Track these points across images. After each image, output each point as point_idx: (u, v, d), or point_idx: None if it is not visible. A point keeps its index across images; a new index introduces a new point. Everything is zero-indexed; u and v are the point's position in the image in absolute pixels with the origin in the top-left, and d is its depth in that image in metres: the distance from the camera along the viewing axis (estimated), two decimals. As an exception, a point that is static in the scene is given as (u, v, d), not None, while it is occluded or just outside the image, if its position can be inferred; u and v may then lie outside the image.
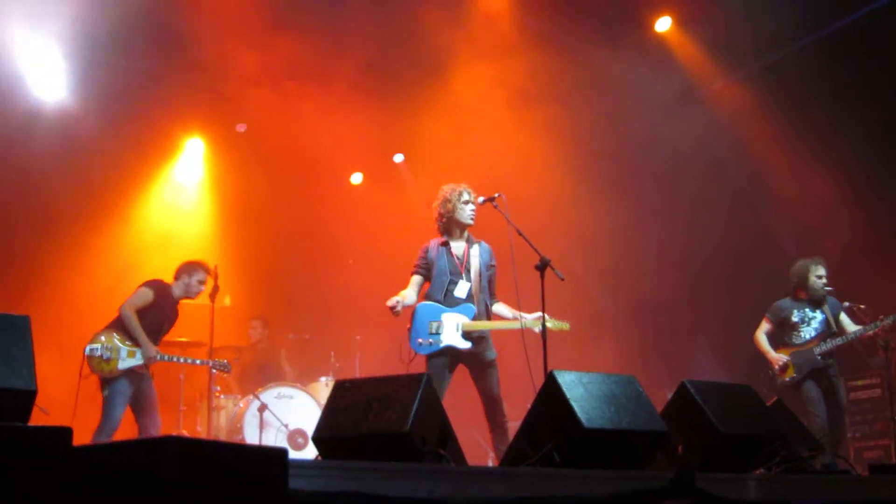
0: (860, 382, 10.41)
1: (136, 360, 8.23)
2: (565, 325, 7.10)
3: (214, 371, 9.18)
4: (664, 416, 5.13)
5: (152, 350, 8.31)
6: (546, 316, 6.95)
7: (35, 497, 2.58)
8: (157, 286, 8.58)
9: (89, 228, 9.30)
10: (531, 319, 7.18)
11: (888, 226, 9.99)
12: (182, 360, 8.99)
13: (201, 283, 8.81)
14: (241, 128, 11.93)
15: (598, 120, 11.44)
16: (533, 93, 10.86)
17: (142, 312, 8.39)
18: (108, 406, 8.07)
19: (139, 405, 8.36)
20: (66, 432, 2.67)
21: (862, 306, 8.82)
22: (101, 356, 8.08)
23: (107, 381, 8.13)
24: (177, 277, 8.79)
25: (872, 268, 9.85)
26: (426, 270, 7.45)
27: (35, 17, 9.66)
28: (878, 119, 9.92)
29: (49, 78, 10.47)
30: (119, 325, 8.34)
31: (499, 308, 7.55)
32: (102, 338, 8.20)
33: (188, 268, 8.83)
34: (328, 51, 10.18)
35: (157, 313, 8.55)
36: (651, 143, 11.57)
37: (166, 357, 8.59)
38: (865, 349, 9.41)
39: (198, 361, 9.07)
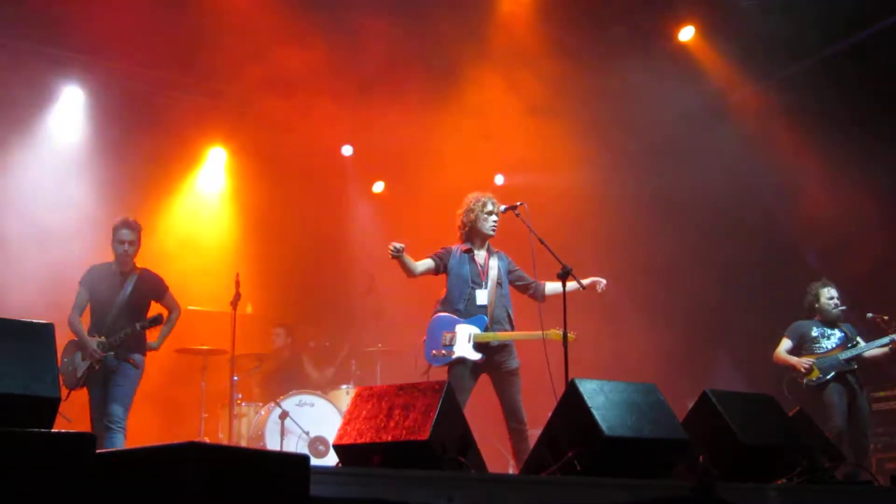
0: (882, 394, 10.37)
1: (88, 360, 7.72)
2: (570, 336, 6.99)
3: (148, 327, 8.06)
4: (685, 425, 5.13)
5: (90, 344, 7.68)
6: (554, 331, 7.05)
7: (59, 502, 2.59)
8: (85, 275, 8.06)
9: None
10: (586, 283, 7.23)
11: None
12: (126, 332, 7.79)
13: (120, 242, 7.95)
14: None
15: (620, 129, 11.42)
16: (554, 101, 10.86)
17: (91, 309, 8.00)
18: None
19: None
20: (89, 438, 2.69)
21: (885, 317, 8.81)
22: (66, 369, 7.70)
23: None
24: None
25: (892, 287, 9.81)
26: (441, 263, 7.46)
27: (55, 26, 9.74)
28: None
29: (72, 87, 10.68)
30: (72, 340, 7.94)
31: (551, 286, 7.49)
32: (62, 353, 7.77)
33: (112, 233, 8.04)
34: (348, 61, 10.19)
35: (98, 299, 7.97)
36: (676, 153, 11.48)
37: (106, 343, 7.69)
38: (889, 361, 9.38)
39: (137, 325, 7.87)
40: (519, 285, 7.65)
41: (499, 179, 12.49)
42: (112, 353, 7.78)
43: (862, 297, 9.30)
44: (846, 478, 5.91)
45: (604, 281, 7.48)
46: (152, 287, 8.24)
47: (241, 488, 2.64)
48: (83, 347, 7.76)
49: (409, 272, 7.35)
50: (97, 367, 7.74)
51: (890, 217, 10.07)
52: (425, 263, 7.42)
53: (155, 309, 8.20)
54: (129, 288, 8.01)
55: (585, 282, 7.27)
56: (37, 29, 9.93)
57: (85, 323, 8.01)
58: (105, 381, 7.78)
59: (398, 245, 7.14)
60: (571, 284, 6.96)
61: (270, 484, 2.75)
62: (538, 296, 7.54)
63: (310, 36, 9.78)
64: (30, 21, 9.75)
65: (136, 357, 7.93)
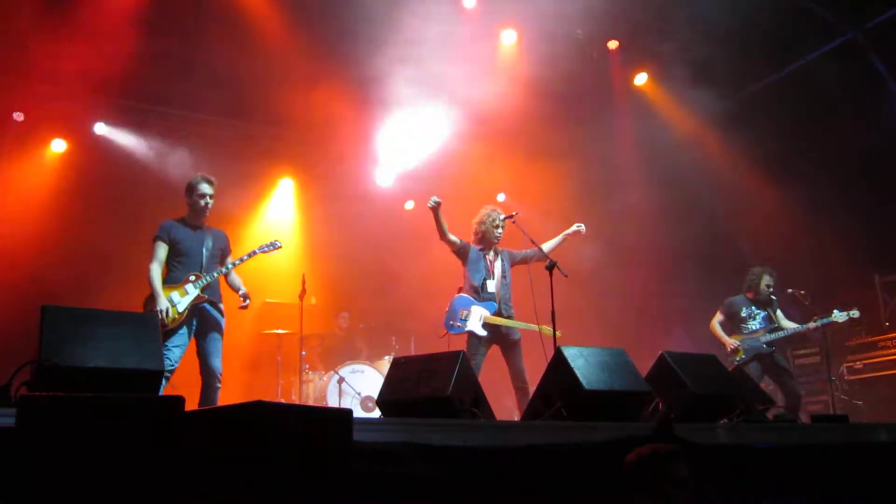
0: (803, 352, 10.27)
1: (191, 294, 6.40)
2: (558, 334, 6.82)
3: (268, 251, 6.94)
4: (648, 380, 5.09)
5: (162, 303, 6.23)
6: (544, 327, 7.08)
7: (159, 447, 2.56)
8: (161, 229, 6.57)
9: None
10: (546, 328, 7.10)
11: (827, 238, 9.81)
12: (225, 268, 6.67)
13: (201, 196, 6.59)
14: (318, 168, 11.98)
15: (591, 155, 11.33)
16: (541, 131, 10.80)
17: (169, 263, 6.50)
18: None
19: None
20: (178, 400, 2.67)
21: (802, 292, 8.69)
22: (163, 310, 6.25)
23: (169, 334, 6.28)
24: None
25: (808, 264, 9.71)
26: (462, 248, 7.43)
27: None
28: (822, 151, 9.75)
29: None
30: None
31: (548, 244, 7.49)
32: (146, 305, 6.44)
33: (187, 188, 6.69)
34: (385, 106, 10.13)
35: (179, 253, 6.52)
36: (639, 173, 11.38)
37: (204, 279, 6.47)
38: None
39: (238, 261, 6.74)
40: (526, 260, 7.57)
41: (500, 197, 12.36)
42: (207, 300, 6.49)
43: (782, 274, 9.19)
44: (775, 417, 5.82)
45: (583, 226, 7.55)
46: (226, 242, 6.88)
47: (297, 436, 2.60)
48: (173, 286, 6.41)
49: (440, 229, 7.29)
50: (204, 297, 6.44)
51: (805, 214, 9.97)
52: (454, 236, 7.39)
53: None
54: (209, 240, 6.67)
55: (569, 231, 7.53)
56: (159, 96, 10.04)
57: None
58: (200, 332, 6.47)
59: (437, 199, 7.13)
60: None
61: (320, 433, 2.71)
62: (544, 256, 7.26)
63: (353, 87, 9.75)
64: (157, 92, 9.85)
65: (221, 306, 6.66)
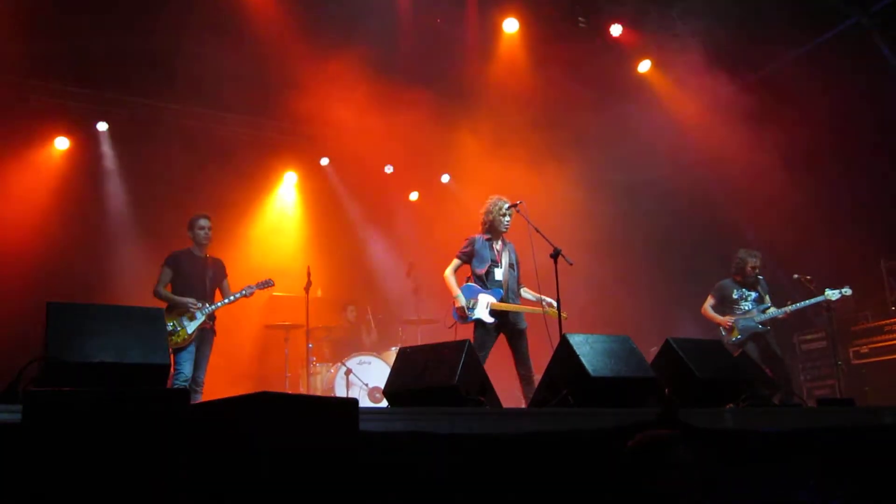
0: (809, 336, 10.26)
1: (199, 319, 7.40)
2: (563, 315, 6.79)
3: (263, 289, 8.01)
4: (653, 366, 5.10)
5: (189, 302, 7.36)
6: (552, 301, 7.05)
7: (164, 439, 2.57)
8: (170, 257, 7.65)
9: (220, 243, 9.06)
10: (546, 306, 7.24)
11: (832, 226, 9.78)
12: (228, 300, 7.73)
13: (201, 228, 7.73)
14: (324, 161, 11.97)
15: (597, 143, 11.30)
16: (544, 119, 10.79)
17: (173, 287, 7.51)
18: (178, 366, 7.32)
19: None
20: (184, 393, 2.68)
21: (808, 277, 8.67)
22: (174, 332, 7.21)
23: (177, 351, 7.25)
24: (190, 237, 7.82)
25: (812, 249, 9.69)
26: (467, 258, 7.39)
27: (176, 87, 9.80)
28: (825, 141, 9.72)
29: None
30: (166, 309, 7.28)
31: (525, 293, 7.50)
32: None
33: (188, 224, 7.81)
34: (389, 97, 10.09)
35: (185, 278, 7.56)
36: (645, 158, 11.34)
37: (209, 307, 7.50)
38: (812, 310, 9.26)
39: (239, 294, 7.79)
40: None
41: (503, 183, 12.26)
42: (208, 319, 7.50)
43: (787, 259, 9.17)
44: (781, 402, 5.82)
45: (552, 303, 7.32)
46: (223, 271, 7.96)
47: (302, 427, 2.60)
48: (184, 309, 7.38)
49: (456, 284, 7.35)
50: (209, 323, 7.50)
51: (810, 198, 9.94)
52: (455, 266, 7.39)
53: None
54: (210, 270, 7.74)
55: (546, 303, 7.28)
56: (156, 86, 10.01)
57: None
58: (198, 347, 7.46)
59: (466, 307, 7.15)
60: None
61: (325, 423, 2.71)
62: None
63: (360, 79, 9.70)
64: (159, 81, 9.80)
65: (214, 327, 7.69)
